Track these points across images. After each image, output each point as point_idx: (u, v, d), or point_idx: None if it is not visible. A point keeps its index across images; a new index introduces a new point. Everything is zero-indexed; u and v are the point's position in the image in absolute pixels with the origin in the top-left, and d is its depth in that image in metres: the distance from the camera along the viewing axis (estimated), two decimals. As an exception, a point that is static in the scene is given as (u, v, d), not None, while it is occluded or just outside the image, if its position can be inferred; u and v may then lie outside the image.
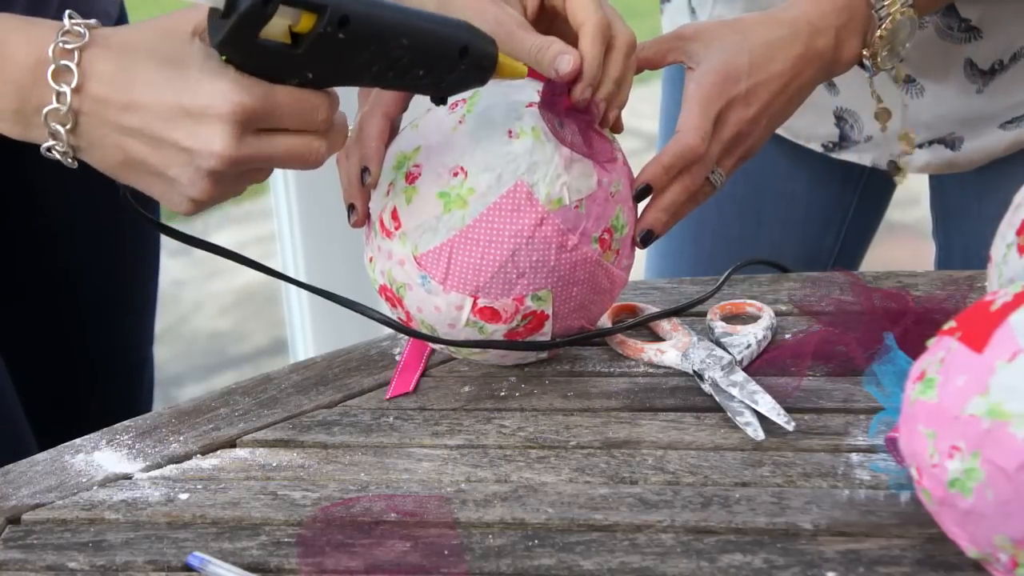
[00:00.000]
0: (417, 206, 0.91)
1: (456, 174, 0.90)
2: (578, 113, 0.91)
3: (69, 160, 0.82)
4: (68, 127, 0.80)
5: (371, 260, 0.95)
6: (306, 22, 0.78)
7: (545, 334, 0.94)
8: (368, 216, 0.94)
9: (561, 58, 0.89)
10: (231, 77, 0.79)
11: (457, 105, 0.92)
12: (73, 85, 0.79)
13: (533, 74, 0.92)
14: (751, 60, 0.98)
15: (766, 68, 0.98)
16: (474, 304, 0.91)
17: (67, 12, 0.80)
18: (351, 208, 0.94)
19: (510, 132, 0.90)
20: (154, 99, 0.79)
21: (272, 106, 0.80)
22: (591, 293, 0.93)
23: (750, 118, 0.98)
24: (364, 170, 0.93)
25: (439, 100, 0.88)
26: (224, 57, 0.79)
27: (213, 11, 0.78)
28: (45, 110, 0.79)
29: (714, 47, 0.98)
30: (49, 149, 0.81)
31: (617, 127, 0.96)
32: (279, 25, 0.78)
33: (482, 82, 0.88)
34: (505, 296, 0.91)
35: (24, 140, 0.82)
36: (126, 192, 0.85)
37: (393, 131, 0.95)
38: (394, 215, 0.92)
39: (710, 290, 1.06)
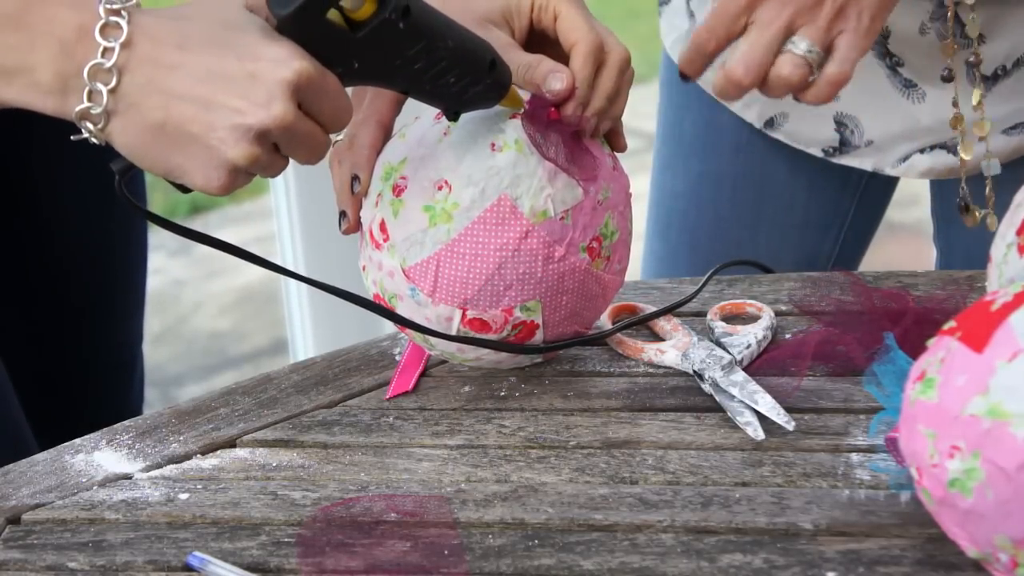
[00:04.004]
0: (404, 219, 0.91)
1: (440, 188, 0.90)
2: (564, 126, 0.91)
3: (98, 130, 0.79)
4: (110, 86, 0.78)
5: (364, 269, 0.95)
6: (366, 9, 0.79)
7: (537, 343, 0.94)
8: (360, 224, 0.94)
9: (553, 76, 0.89)
10: (292, 44, 0.79)
11: (443, 116, 0.92)
12: (122, 40, 0.77)
13: None
14: None
15: None
16: (463, 316, 0.91)
17: None
18: (342, 215, 0.95)
19: (493, 145, 0.90)
20: (208, 60, 0.78)
21: (324, 85, 0.80)
22: (582, 300, 0.93)
23: None
24: (354, 178, 0.93)
25: (454, 115, 0.88)
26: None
27: None
28: (89, 64, 0.77)
29: None
30: (82, 119, 0.79)
31: (619, 145, 0.96)
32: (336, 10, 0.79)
33: (496, 101, 0.89)
34: (494, 308, 0.91)
35: (57, 114, 0.80)
36: (121, 186, 0.83)
37: (386, 138, 0.95)
38: (382, 227, 0.92)
39: (695, 290, 1.05)
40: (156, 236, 1.29)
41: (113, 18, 0.78)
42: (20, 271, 1.25)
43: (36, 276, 1.26)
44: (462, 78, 0.85)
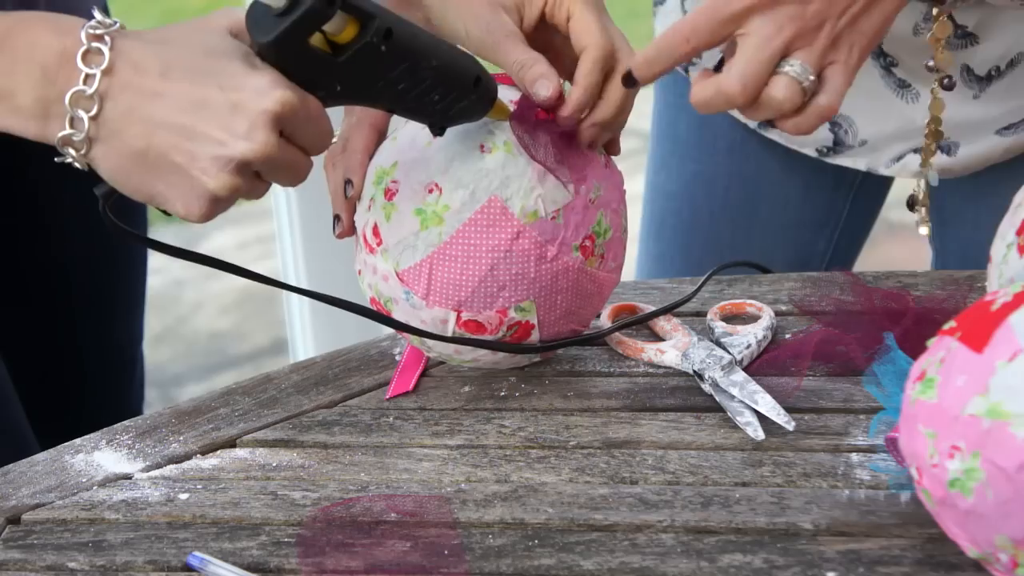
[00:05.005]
0: (396, 223, 0.91)
1: (431, 191, 0.90)
2: (553, 125, 0.91)
3: (80, 156, 0.79)
4: (92, 113, 0.78)
5: (360, 273, 0.95)
6: (348, 33, 0.79)
7: (533, 342, 0.94)
8: (354, 228, 0.95)
9: (541, 83, 0.88)
10: (274, 73, 0.79)
11: None
12: (103, 67, 0.77)
13: (506, 80, 0.92)
14: None
15: None
16: (458, 318, 0.91)
17: (93, 8, 0.79)
18: (336, 219, 0.95)
19: (482, 147, 0.90)
20: (191, 88, 0.78)
21: (306, 112, 0.80)
22: (577, 299, 0.93)
23: (812, 14, 0.88)
24: (347, 182, 0.93)
25: (439, 130, 0.88)
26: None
27: (261, 11, 0.78)
28: (70, 92, 0.77)
29: None
30: (64, 145, 0.79)
31: (613, 151, 0.95)
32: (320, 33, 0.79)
33: (482, 115, 0.89)
34: (488, 309, 0.91)
35: (39, 139, 0.80)
36: (105, 207, 0.83)
37: (380, 141, 0.95)
38: (375, 231, 0.92)
39: (693, 290, 1.05)
40: (156, 236, 1.29)
41: (95, 44, 0.78)
42: (20, 271, 1.25)
43: (36, 276, 1.26)
44: (447, 96, 0.85)
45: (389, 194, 0.91)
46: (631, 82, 0.89)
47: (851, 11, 0.89)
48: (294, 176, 0.83)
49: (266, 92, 0.78)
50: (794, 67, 0.88)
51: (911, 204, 1.15)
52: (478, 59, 0.88)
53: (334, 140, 0.96)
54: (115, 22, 0.79)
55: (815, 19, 0.88)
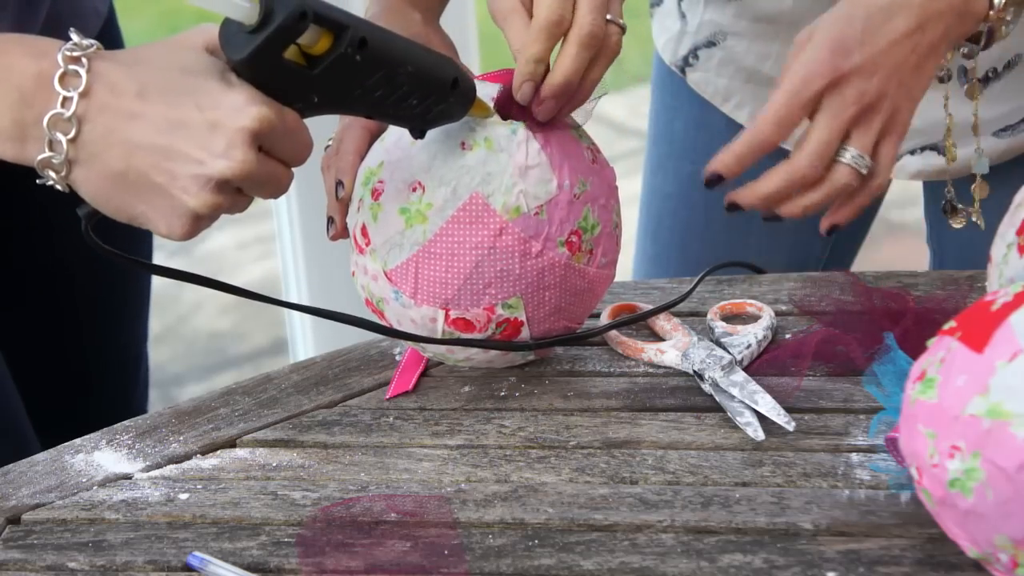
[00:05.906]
0: (383, 223, 0.91)
1: (415, 189, 0.90)
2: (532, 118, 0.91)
3: (61, 178, 0.79)
4: (70, 136, 0.78)
5: (354, 274, 0.95)
6: (322, 44, 0.79)
7: (525, 340, 0.94)
8: (347, 229, 0.95)
9: (526, 86, 0.88)
10: (250, 89, 0.79)
11: None
12: (80, 89, 0.77)
13: (494, 77, 0.93)
14: (865, 26, 0.90)
15: (884, 30, 0.89)
16: (446, 316, 0.91)
17: (71, 29, 0.80)
18: (330, 221, 0.95)
19: (463, 144, 0.90)
20: (168, 109, 0.78)
21: (284, 126, 0.80)
22: (566, 295, 0.93)
23: (875, 90, 0.90)
24: (338, 183, 0.93)
25: (419, 133, 0.88)
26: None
27: (234, 28, 0.78)
28: (48, 115, 0.77)
29: (826, 19, 0.91)
30: (44, 167, 0.79)
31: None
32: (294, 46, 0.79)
33: (462, 115, 0.89)
34: (475, 306, 0.91)
35: (17, 161, 0.80)
36: (88, 228, 0.83)
37: (372, 142, 0.95)
38: (363, 232, 0.92)
39: (687, 290, 1.05)
40: (154, 240, 1.29)
41: (72, 66, 0.78)
42: (24, 272, 1.25)
43: (40, 276, 1.25)
44: (425, 100, 0.85)
45: (376, 194, 0.92)
46: (716, 181, 0.93)
47: (903, 77, 0.91)
48: (275, 189, 0.83)
49: (243, 109, 0.78)
50: (854, 156, 0.91)
51: (947, 210, 1.14)
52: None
53: (329, 143, 0.96)
54: (92, 43, 0.79)
55: (876, 95, 0.90)
